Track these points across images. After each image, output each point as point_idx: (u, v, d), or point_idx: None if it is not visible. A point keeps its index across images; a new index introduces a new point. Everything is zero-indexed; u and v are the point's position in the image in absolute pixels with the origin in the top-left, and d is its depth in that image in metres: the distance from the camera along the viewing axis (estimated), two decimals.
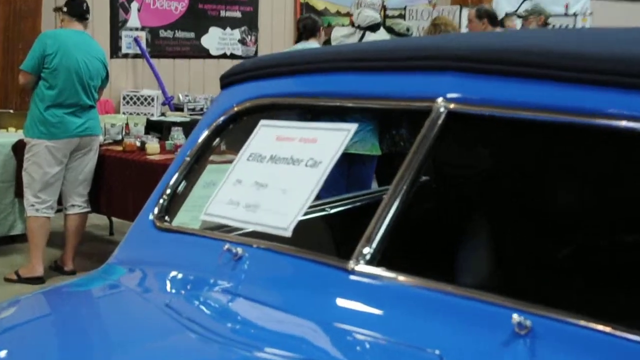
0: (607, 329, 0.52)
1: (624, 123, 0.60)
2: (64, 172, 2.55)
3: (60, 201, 2.62)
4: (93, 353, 0.72)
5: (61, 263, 2.59)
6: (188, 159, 0.93)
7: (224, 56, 4.69)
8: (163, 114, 4.10)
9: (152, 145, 2.73)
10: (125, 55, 4.22)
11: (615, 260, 1.00)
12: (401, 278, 0.64)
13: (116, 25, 4.11)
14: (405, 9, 4.93)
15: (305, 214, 0.77)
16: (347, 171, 2.36)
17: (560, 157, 1.05)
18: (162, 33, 4.36)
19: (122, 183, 2.65)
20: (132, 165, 2.64)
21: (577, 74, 0.65)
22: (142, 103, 4.11)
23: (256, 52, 4.92)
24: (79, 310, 0.82)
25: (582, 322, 0.53)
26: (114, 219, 3.14)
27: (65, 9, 2.60)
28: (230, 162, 0.88)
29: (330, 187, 1.36)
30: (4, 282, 2.49)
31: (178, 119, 3.84)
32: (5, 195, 2.90)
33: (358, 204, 1.16)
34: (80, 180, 2.60)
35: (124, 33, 4.17)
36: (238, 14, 4.78)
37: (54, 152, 2.48)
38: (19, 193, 2.77)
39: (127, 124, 3.13)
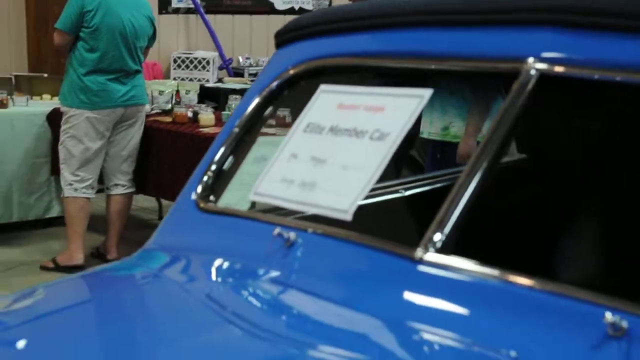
0: None
1: None
2: (106, 147, 2.77)
3: (101, 180, 2.84)
4: (124, 347, 0.82)
5: (103, 250, 2.83)
6: (236, 130, 1.04)
7: (291, 11, 4.80)
8: (220, 80, 4.33)
9: (206, 116, 2.92)
10: (176, 11, 4.47)
11: None
12: (476, 269, 0.69)
13: None
14: None
15: (369, 195, 0.83)
16: None
17: None
18: None
19: (172, 160, 2.81)
20: (183, 139, 2.80)
21: None
22: (195, 67, 4.38)
23: (330, 4, 4.99)
24: (109, 300, 0.94)
25: None
26: (163, 200, 3.38)
27: None
28: (284, 134, 0.97)
29: None
30: (40, 271, 2.76)
31: (237, 86, 4.04)
32: (40, 173, 3.13)
33: (432, 185, 1.21)
34: (124, 157, 2.81)
35: None
36: None
37: (96, 124, 2.69)
38: (55, 170, 3.02)
39: (177, 92, 3.34)
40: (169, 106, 3.16)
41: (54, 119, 2.97)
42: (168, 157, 2.84)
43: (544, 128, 1.26)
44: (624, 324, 0.61)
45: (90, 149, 2.68)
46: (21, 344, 0.81)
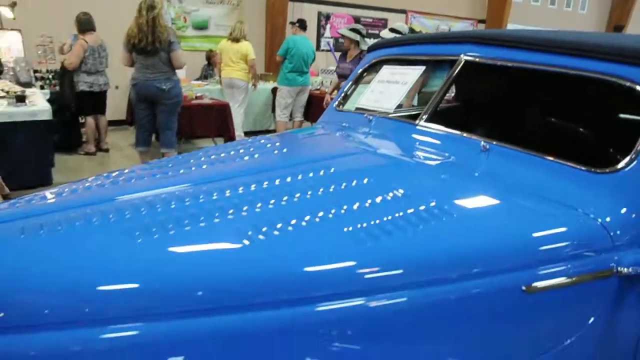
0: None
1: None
2: (293, 101, 6.57)
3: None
4: (304, 154, 2.28)
5: None
6: (351, 82, 2.49)
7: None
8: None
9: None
10: (322, 50, 10.07)
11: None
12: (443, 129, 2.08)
13: (319, 33, 10.20)
14: None
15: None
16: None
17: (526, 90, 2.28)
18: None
19: (321, 108, 6.01)
20: (320, 100, 6.63)
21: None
22: (329, 72, 8.77)
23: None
24: (299, 139, 2.38)
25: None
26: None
27: (297, 24, 6.89)
28: (369, 82, 2.41)
29: None
30: None
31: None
32: (267, 111, 7.91)
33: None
34: (300, 105, 6.72)
35: (322, 39, 10.17)
36: None
37: (290, 92, 6.58)
38: (273, 111, 7.91)
39: (322, 82, 7.95)
40: (319, 87, 7.69)
41: (274, 91, 7.46)
42: (318, 105, 6.79)
43: (466, 87, 2.56)
44: (488, 146, 1.87)
45: (287, 102, 6.58)
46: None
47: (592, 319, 1.35)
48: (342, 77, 5.95)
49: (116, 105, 8.16)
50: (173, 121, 5.14)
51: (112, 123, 7.83)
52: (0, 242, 1.09)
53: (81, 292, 0.97)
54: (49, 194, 1.38)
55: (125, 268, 1.02)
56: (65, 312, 0.96)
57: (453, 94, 2.85)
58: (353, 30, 6.06)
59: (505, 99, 2.42)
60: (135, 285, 0.99)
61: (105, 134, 7.07)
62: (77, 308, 0.96)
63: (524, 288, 1.22)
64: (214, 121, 6.38)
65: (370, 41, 5.85)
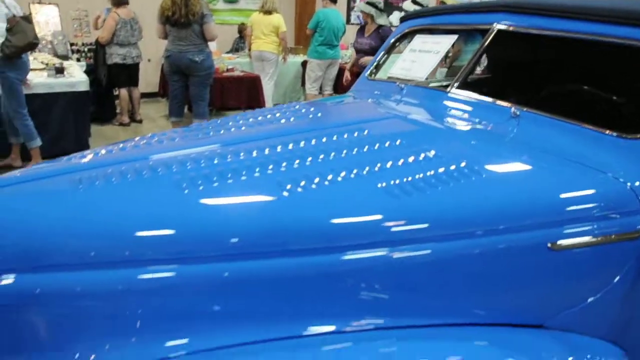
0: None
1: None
2: (323, 74, 6.53)
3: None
4: (337, 118, 2.33)
5: None
6: (383, 52, 2.52)
7: None
8: None
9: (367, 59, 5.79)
10: (352, 23, 9.65)
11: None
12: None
13: (349, 6, 10.27)
14: None
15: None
16: None
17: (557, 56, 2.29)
18: None
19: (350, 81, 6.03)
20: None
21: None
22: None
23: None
24: (332, 105, 2.43)
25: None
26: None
27: None
28: (401, 52, 2.44)
29: None
30: None
31: None
32: (296, 84, 8.04)
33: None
34: (329, 78, 6.72)
35: (352, 12, 10.18)
36: None
37: (320, 65, 6.49)
38: (302, 84, 7.84)
39: (352, 55, 7.32)
40: (347, 60, 7.32)
41: (304, 64, 7.23)
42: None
43: (498, 56, 2.54)
44: (518, 113, 1.68)
45: (317, 74, 6.58)
46: None
47: (615, 280, 1.38)
48: (361, 52, 5.83)
49: (149, 78, 8.29)
50: (205, 92, 5.23)
51: (144, 95, 7.97)
52: (57, 192, 1.18)
53: (122, 237, 1.06)
54: (87, 154, 1.47)
55: (162, 215, 1.10)
56: (107, 254, 1.05)
57: (484, 66, 2.86)
58: (368, 3, 5.94)
59: (536, 66, 2.42)
60: (172, 232, 1.07)
61: (138, 106, 7.21)
62: (118, 251, 1.05)
63: (549, 245, 1.26)
64: (244, 93, 6.47)
65: (387, 15, 6.06)
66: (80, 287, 1.04)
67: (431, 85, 2.30)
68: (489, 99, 1.84)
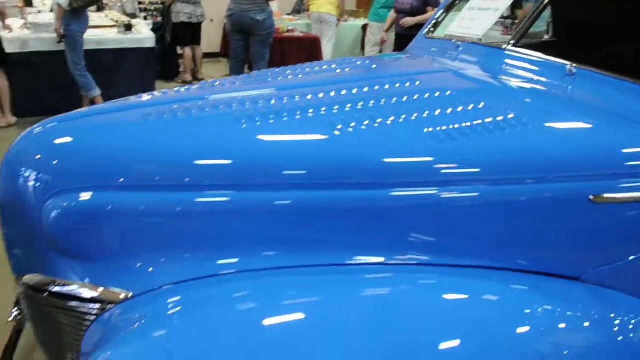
0: None
1: None
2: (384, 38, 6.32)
3: None
4: (392, 70, 2.37)
5: None
6: (442, 9, 2.51)
7: None
8: None
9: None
10: None
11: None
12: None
13: None
14: None
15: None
16: None
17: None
18: None
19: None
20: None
21: None
22: None
23: None
24: (388, 59, 2.47)
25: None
26: None
27: None
28: (460, 10, 2.43)
29: None
30: None
31: None
32: (355, 47, 7.89)
33: None
34: (389, 42, 6.27)
35: None
36: None
37: (381, 29, 6.20)
38: (362, 48, 7.48)
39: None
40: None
41: (364, 27, 7.00)
42: None
43: (557, 14, 2.49)
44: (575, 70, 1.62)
45: (378, 39, 6.49)
46: None
47: None
48: (401, 12, 5.67)
49: (211, 38, 8.47)
50: (265, 52, 5.33)
51: (206, 55, 8.16)
52: (131, 122, 1.31)
53: (184, 164, 1.18)
54: (156, 94, 1.59)
55: (221, 146, 1.21)
56: (170, 178, 1.17)
57: (547, 25, 2.80)
58: None
59: (596, 25, 2.36)
60: (229, 161, 1.17)
61: (201, 65, 7.41)
62: (179, 176, 1.17)
63: (591, 197, 1.29)
64: (304, 54, 6.53)
65: None
66: (144, 206, 1.16)
67: (488, 43, 2.29)
68: (545, 56, 1.84)
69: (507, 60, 1.93)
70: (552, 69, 1.77)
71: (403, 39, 4.96)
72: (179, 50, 7.33)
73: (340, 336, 1.01)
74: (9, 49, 5.01)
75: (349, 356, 0.99)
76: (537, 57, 1.86)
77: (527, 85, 1.73)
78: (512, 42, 1.98)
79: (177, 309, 1.10)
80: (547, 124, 1.44)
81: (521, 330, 1.16)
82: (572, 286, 1.35)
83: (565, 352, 1.19)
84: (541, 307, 1.21)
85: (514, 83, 1.77)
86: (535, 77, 1.77)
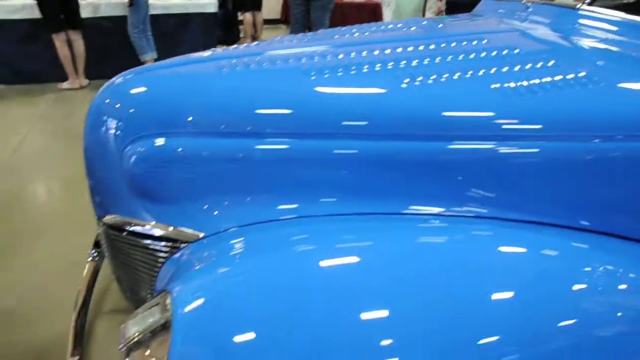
0: None
1: None
2: (444, 5, 5.95)
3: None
4: (458, 30, 2.33)
5: None
6: None
7: None
8: None
9: None
10: None
11: None
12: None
13: None
14: None
15: None
16: None
17: None
18: None
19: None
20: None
21: None
22: None
23: None
24: (453, 20, 2.44)
25: None
26: None
27: None
28: None
29: None
30: None
31: None
32: (417, 15, 7.04)
33: None
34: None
35: None
36: None
37: None
38: (423, 14, 6.87)
39: None
40: None
41: None
42: None
43: None
44: None
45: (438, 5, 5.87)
46: None
47: None
48: None
49: (271, 4, 8.49)
50: (326, 18, 5.31)
51: (267, 22, 8.21)
52: (205, 73, 1.36)
53: (245, 113, 1.22)
54: (227, 49, 1.64)
55: (280, 96, 1.24)
56: (233, 125, 1.23)
57: None
58: None
59: None
60: (290, 111, 1.20)
61: (261, 31, 7.46)
62: (241, 124, 1.22)
63: None
64: (365, 20, 6.47)
65: None
66: (209, 151, 1.22)
67: (560, 3, 2.21)
68: (622, 15, 1.76)
69: (580, 21, 1.87)
70: (629, 27, 1.70)
71: (454, 7, 4.82)
72: (240, 16, 7.41)
73: (394, 278, 1.04)
74: (82, 14, 5.22)
75: (401, 298, 1.01)
76: (615, 17, 1.79)
77: (602, 46, 1.67)
78: (587, 1, 1.90)
79: (241, 249, 1.17)
80: (620, 84, 1.40)
81: (578, 287, 1.16)
82: (637, 247, 1.33)
83: (619, 314, 1.18)
84: (602, 265, 1.20)
85: (588, 43, 1.71)
86: (612, 37, 1.70)
